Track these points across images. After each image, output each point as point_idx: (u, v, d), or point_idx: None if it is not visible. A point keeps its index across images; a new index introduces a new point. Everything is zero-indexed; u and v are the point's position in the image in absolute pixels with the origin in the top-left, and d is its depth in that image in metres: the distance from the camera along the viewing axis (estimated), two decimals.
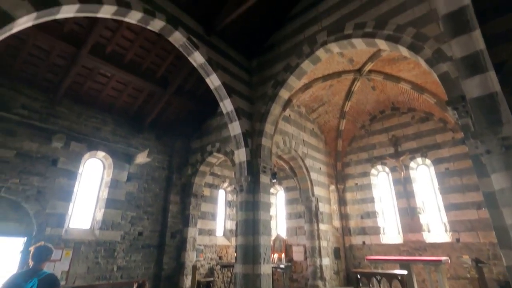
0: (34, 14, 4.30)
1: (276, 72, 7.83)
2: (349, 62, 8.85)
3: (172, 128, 10.41)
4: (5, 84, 7.06)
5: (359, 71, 9.21)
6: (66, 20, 6.53)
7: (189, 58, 7.15)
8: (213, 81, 7.43)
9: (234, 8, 6.83)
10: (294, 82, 7.68)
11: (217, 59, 7.45)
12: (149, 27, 6.23)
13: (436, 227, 9.45)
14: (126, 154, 9.04)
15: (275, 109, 7.74)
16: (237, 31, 7.88)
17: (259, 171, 7.20)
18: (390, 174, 10.97)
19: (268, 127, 7.67)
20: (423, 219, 9.76)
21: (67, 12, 4.80)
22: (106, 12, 5.33)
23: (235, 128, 7.59)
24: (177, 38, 6.63)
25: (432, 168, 9.96)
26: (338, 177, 11.75)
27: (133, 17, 5.78)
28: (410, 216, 9.89)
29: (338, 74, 9.15)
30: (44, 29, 6.38)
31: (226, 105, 7.59)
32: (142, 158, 8.84)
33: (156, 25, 6.21)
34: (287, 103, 8.41)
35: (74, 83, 7.91)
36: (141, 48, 7.84)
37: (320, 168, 11.05)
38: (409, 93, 9.83)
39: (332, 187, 11.46)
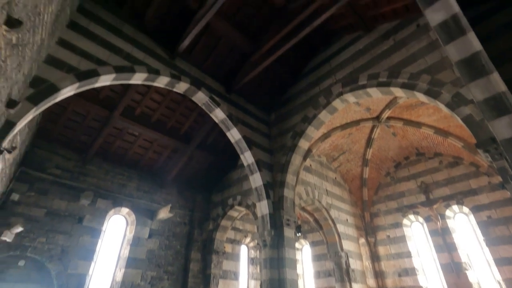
0: (76, 85, 4.86)
1: (294, 123, 8.03)
2: (366, 111, 8.97)
3: (194, 182, 10.53)
4: (43, 146, 7.66)
5: (377, 118, 9.25)
6: (103, 87, 7.29)
7: (211, 114, 7.56)
8: (234, 135, 7.69)
9: (251, 69, 7.40)
10: (313, 132, 7.79)
11: (237, 114, 7.83)
12: (175, 89, 6.79)
13: (490, 287, 8.23)
14: (148, 209, 9.09)
15: (296, 159, 7.74)
16: (255, 88, 8.40)
17: (282, 224, 6.90)
18: (425, 225, 10.11)
19: (290, 178, 7.58)
20: (472, 276, 8.60)
21: (104, 81, 5.40)
22: (138, 78, 5.94)
23: (256, 180, 7.56)
24: (200, 97, 7.13)
25: (471, 217, 9.11)
26: (368, 229, 10.97)
27: (161, 81, 6.37)
28: (456, 273, 8.76)
29: (356, 122, 9.22)
30: (82, 96, 7.12)
31: (247, 157, 7.70)
32: (164, 213, 8.83)
33: (181, 87, 6.77)
34: (307, 153, 8.41)
35: (105, 143, 8.46)
36: (167, 108, 8.44)
37: (347, 220, 10.44)
38: (432, 137, 9.60)
39: (362, 240, 10.63)
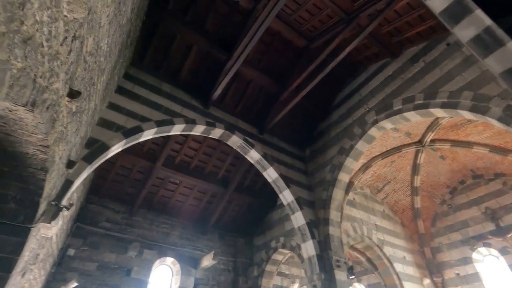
0: (123, 141, 5.32)
1: (331, 156, 7.83)
2: (406, 136, 8.52)
3: (234, 226, 10.39)
4: (95, 201, 8.23)
5: (420, 142, 8.70)
6: (146, 141, 7.88)
7: (246, 156, 7.69)
8: (270, 174, 7.66)
9: (280, 108, 7.59)
10: (352, 163, 7.49)
11: (272, 153, 7.87)
12: (210, 136, 7.12)
13: None
14: (192, 258, 9.01)
15: (337, 194, 7.39)
16: (286, 126, 8.51)
17: (332, 266, 6.38)
18: (501, 258, 8.70)
19: (334, 214, 7.17)
20: None
21: (147, 135, 5.85)
22: (177, 130, 6.35)
23: (298, 219, 7.27)
24: (235, 141, 7.36)
25: None
26: (431, 267, 9.68)
27: (198, 130, 6.75)
28: None
29: (397, 149, 8.74)
30: (128, 151, 7.72)
31: (286, 196, 7.53)
32: (207, 261, 8.67)
33: (216, 133, 7.08)
34: (349, 186, 8.02)
35: (149, 193, 8.87)
36: (204, 155, 8.78)
37: (405, 257, 9.37)
38: (488, 157, 8.69)
39: (427, 281, 9.34)
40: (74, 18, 2.28)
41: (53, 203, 3.91)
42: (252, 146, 7.47)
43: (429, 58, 6.19)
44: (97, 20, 2.97)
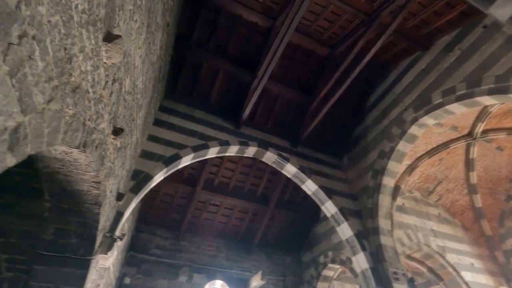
0: (164, 170, 5.59)
1: (371, 161, 7.47)
2: (453, 130, 7.87)
3: (280, 244, 10.19)
4: (144, 230, 8.63)
5: (469, 135, 7.97)
6: (184, 167, 8.20)
7: (282, 171, 7.63)
8: (309, 186, 7.48)
9: (311, 119, 7.50)
10: (395, 166, 7.06)
11: (308, 165, 7.71)
12: (245, 155, 7.21)
13: None
14: (241, 279, 8.95)
15: (384, 200, 6.95)
16: (320, 136, 8.35)
17: (389, 279, 5.91)
18: None
19: (383, 223, 6.73)
20: None
21: (185, 161, 6.10)
22: (212, 153, 6.55)
23: (344, 231, 6.93)
24: (269, 157, 7.36)
25: None
26: (507, 273, 8.54)
27: (232, 150, 6.89)
28: None
29: (444, 145, 8.08)
30: (170, 178, 8.07)
31: (329, 207, 7.26)
32: (256, 281, 8.54)
33: (250, 151, 7.16)
34: (395, 191, 7.51)
35: (193, 217, 9.11)
36: (241, 174, 8.89)
37: (473, 264, 8.39)
38: None
39: None
40: (112, 63, 2.52)
41: (107, 234, 4.18)
42: (287, 160, 7.41)
43: (465, 45, 5.77)
44: (132, 62, 3.25)
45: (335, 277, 9.42)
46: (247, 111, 6.91)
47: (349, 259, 8.06)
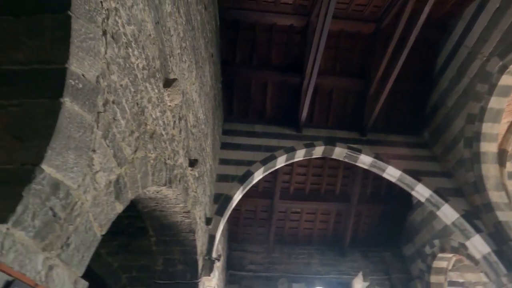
0: (241, 188, 5.86)
1: (459, 129, 6.49)
2: None
3: (374, 241, 9.49)
4: (236, 248, 9.06)
5: None
6: (258, 181, 8.43)
7: (357, 164, 7.20)
8: (392, 173, 6.86)
9: (375, 102, 6.96)
10: (492, 128, 5.98)
11: (384, 151, 7.11)
12: (313, 156, 7.07)
13: None
14: (341, 283, 8.58)
15: (489, 170, 5.91)
16: (389, 117, 7.67)
17: None
18: None
19: (495, 196, 5.70)
20: None
21: (257, 176, 6.30)
22: (281, 162, 6.61)
23: (448, 214, 6.09)
24: (339, 152, 7.05)
25: None
26: None
27: (299, 155, 6.83)
28: None
29: None
30: (247, 195, 8.36)
31: (421, 191, 6.51)
32: (359, 284, 8.06)
33: (318, 151, 6.99)
34: (502, 155, 6.34)
35: (277, 228, 9.21)
36: (314, 176, 8.69)
37: None
38: None
39: None
40: (175, 104, 2.81)
41: (206, 257, 4.53)
42: (359, 151, 6.98)
43: None
44: (190, 98, 3.56)
45: (450, 267, 8.25)
46: (304, 113, 6.81)
47: (463, 244, 6.99)
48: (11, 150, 1.15)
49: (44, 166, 1.13)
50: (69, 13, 1.30)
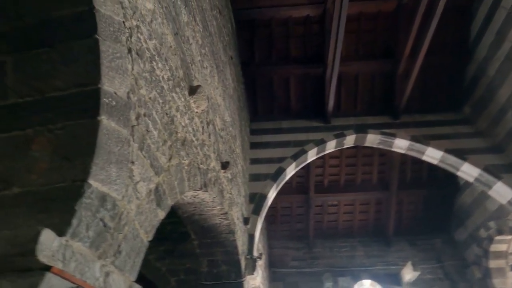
0: (274, 186, 5.87)
1: (505, 98, 5.92)
2: None
3: (420, 228, 8.99)
4: (277, 245, 9.07)
5: None
6: (291, 178, 8.38)
7: (392, 149, 6.87)
8: (432, 155, 6.45)
9: (405, 82, 6.58)
10: None
11: (421, 132, 6.71)
12: (345, 146, 6.87)
13: None
14: (389, 274, 8.24)
15: None
16: (423, 95, 7.22)
17: None
18: None
19: None
20: None
21: (290, 172, 6.27)
22: (312, 155, 6.51)
23: (502, 192, 5.60)
24: (372, 139, 6.78)
25: None
26: None
27: (330, 146, 6.68)
28: None
29: None
30: (282, 192, 8.33)
31: (467, 171, 6.05)
32: (409, 274, 7.69)
33: (349, 141, 6.78)
34: None
35: (316, 223, 9.08)
36: (347, 167, 8.44)
37: None
38: None
39: None
40: (202, 110, 2.89)
41: (247, 257, 4.59)
42: (394, 135, 6.65)
43: None
44: (215, 102, 3.63)
45: (510, 250, 7.57)
46: (330, 103, 6.64)
47: None
48: (62, 170, 1.25)
49: (91, 181, 1.22)
50: (96, 36, 1.39)
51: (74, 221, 1.12)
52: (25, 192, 1.21)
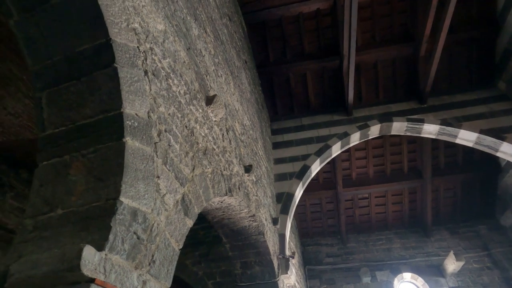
0: (300, 183, 5.85)
1: None
2: None
3: (460, 215, 8.49)
4: (309, 243, 9.01)
5: None
6: (317, 174, 8.30)
7: (421, 135, 6.58)
8: (466, 137, 6.09)
9: (428, 64, 6.27)
10: None
11: (452, 114, 6.36)
12: (370, 137, 6.68)
13: None
14: (430, 266, 7.87)
15: None
16: (449, 75, 6.84)
17: None
18: None
19: None
20: None
21: (315, 169, 6.21)
22: (336, 150, 6.41)
23: None
24: (398, 127, 6.54)
25: None
26: None
27: (354, 139, 6.53)
28: None
29: None
30: (309, 189, 8.29)
31: (508, 151, 5.65)
32: (452, 264, 7.30)
33: (374, 131, 6.58)
34: None
35: (348, 217, 8.90)
36: (374, 158, 8.19)
37: None
38: None
39: None
40: (220, 118, 2.98)
41: (280, 256, 4.63)
42: (422, 121, 6.36)
43: None
44: (233, 108, 3.72)
45: None
46: (350, 94, 6.49)
47: None
48: (97, 190, 1.38)
49: (122, 198, 1.34)
50: (115, 65, 1.52)
51: (111, 236, 1.23)
52: (68, 213, 1.35)
